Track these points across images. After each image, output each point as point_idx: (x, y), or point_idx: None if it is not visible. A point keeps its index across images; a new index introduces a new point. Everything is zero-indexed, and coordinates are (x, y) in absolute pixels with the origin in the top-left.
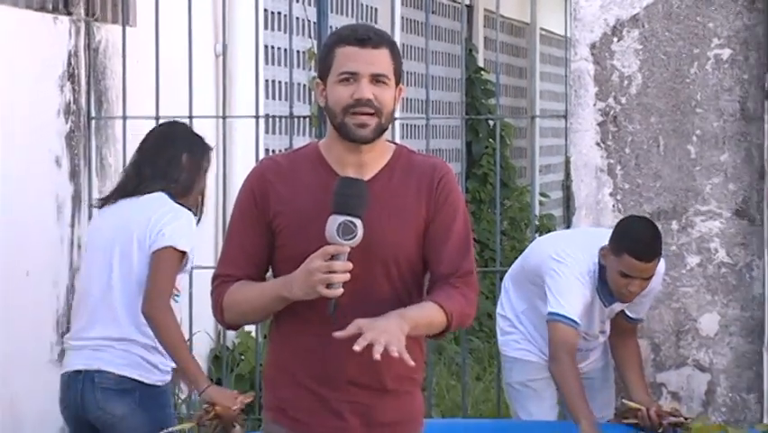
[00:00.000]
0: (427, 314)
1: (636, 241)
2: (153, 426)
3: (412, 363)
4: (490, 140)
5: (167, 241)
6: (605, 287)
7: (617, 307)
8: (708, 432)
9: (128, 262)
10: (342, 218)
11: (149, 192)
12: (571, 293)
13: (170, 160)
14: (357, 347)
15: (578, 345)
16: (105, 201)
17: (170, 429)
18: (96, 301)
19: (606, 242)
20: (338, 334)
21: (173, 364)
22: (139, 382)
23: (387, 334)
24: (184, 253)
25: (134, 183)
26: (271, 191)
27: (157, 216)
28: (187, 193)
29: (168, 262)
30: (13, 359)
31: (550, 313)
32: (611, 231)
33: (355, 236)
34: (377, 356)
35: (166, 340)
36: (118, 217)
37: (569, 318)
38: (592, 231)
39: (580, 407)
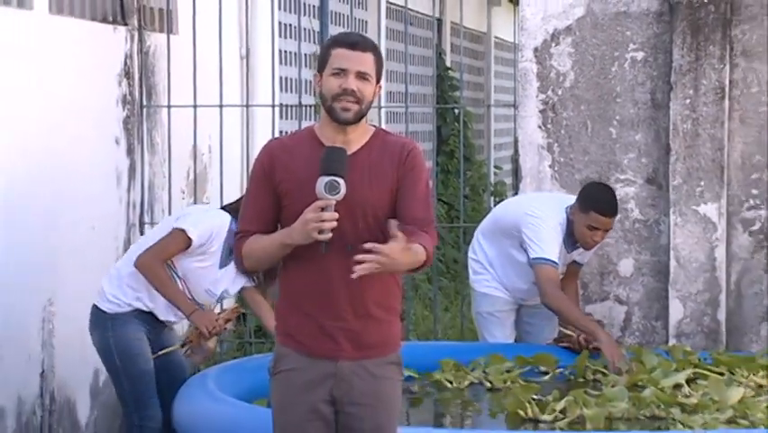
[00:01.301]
0: (418, 253)
1: (601, 201)
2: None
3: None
4: (456, 124)
5: (180, 224)
6: (569, 238)
7: (575, 254)
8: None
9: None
10: (327, 178)
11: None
12: (550, 241)
13: None
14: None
15: (559, 281)
16: None
17: (165, 350)
18: None
19: (567, 203)
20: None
21: (134, 303)
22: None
23: (384, 262)
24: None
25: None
26: (277, 163)
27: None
28: None
29: (172, 238)
30: (82, 298)
31: (535, 258)
32: (572, 194)
33: (339, 192)
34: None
35: (153, 282)
36: None
37: (551, 261)
38: (554, 195)
39: (588, 323)
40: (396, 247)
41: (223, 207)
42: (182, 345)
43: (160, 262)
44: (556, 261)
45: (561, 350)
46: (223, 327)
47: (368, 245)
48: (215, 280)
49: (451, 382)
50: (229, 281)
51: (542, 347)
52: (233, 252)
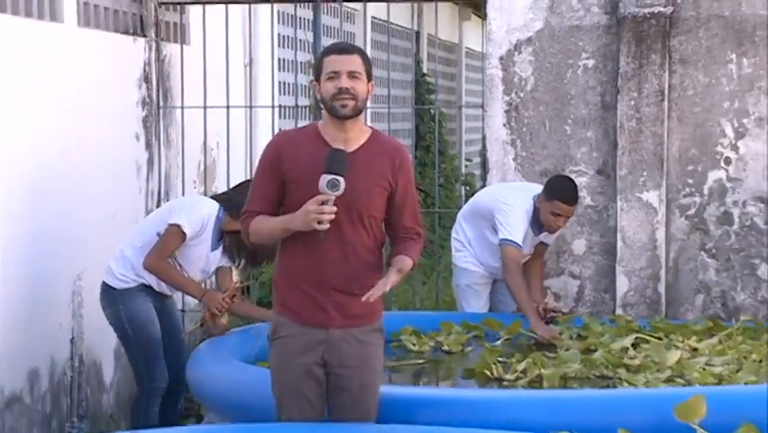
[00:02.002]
0: (405, 265)
1: (564, 191)
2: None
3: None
4: (431, 123)
5: (174, 220)
6: (535, 223)
7: (542, 237)
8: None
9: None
10: (330, 176)
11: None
12: (517, 226)
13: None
14: (364, 298)
15: (521, 261)
16: None
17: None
18: None
19: (535, 192)
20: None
21: (140, 279)
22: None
23: (384, 288)
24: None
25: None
26: (284, 154)
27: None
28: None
29: (170, 235)
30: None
31: (502, 239)
32: (540, 186)
33: (339, 189)
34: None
35: (163, 279)
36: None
37: (516, 243)
38: (524, 185)
39: (527, 305)
40: (392, 280)
41: (212, 197)
42: (200, 325)
43: (165, 260)
44: (520, 243)
45: (504, 316)
46: (229, 303)
47: (369, 295)
48: (208, 261)
49: (414, 345)
50: (218, 261)
51: (486, 315)
52: (221, 237)
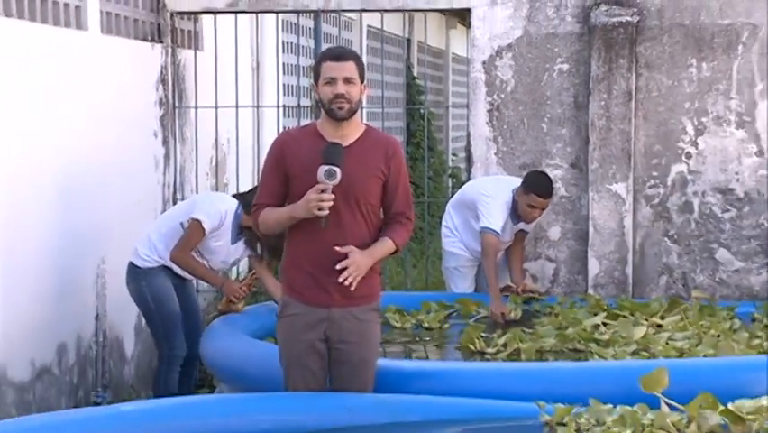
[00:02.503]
0: (386, 248)
1: (540, 186)
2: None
3: (353, 288)
4: (421, 121)
5: (195, 215)
6: (514, 213)
7: (521, 225)
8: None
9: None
10: (327, 167)
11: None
12: (497, 215)
13: None
14: (340, 279)
15: (500, 247)
16: None
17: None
18: None
19: (514, 186)
20: (337, 248)
21: (162, 261)
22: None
23: (357, 270)
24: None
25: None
26: (287, 151)
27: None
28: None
29: (192, 230)
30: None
31: (483, 227)
32: (519, 179)
33: (335, 178)
34: (341, 281)
35: (186, 270)
36: None
37: (495, 230)
38: (505, 178)
39: (494, 289)
40: (358, 257)
41: (234, 195)
42: (220, 313)
43: (189, 253)
44: (499, 231)
45: (477, 296)
46: (246, 292)
47: (338, 267)
48: (228, 253)
49: (397, 322)
50: (239, 253)
51: (462, 294)
52: (241, 231)
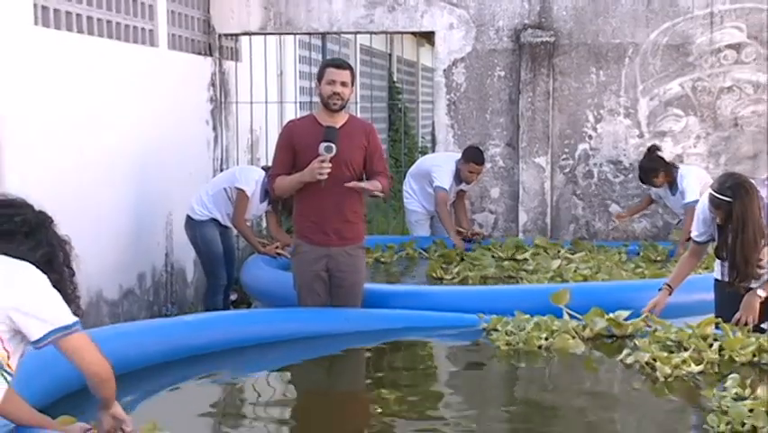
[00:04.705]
0: (377, 185)
1: (476, 156)
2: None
3: (360, 186)
4: (399, 113)
5: (239, 185)
6: (457, 177)
7: (462, 186)
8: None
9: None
10: (326, 143)
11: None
12: (445, 178)
13: None
14: (353, 185)
15: (448, 200)
16: None
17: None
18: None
19: (456, 158)
20: (349, 184)
21: (211, 215)
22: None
23: (364, 185)
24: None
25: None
26: (294, 135)
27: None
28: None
29: (240, 199)
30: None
31: (436, 186)
32: (461, 153)
33: (332, 152)
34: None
35: (242, 234)
36: None
37: (444, 189)
38: (448, 153)
39: (449, 226)
40: (363, 184)
41: (263, 167)
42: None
43: (244, 220)
44: (447, 189)
45: (424, 239)
46: (280, 253)
47: (349, 184)
48: (257, 208)
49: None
50: (263, 209)
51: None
52: (267, 193)
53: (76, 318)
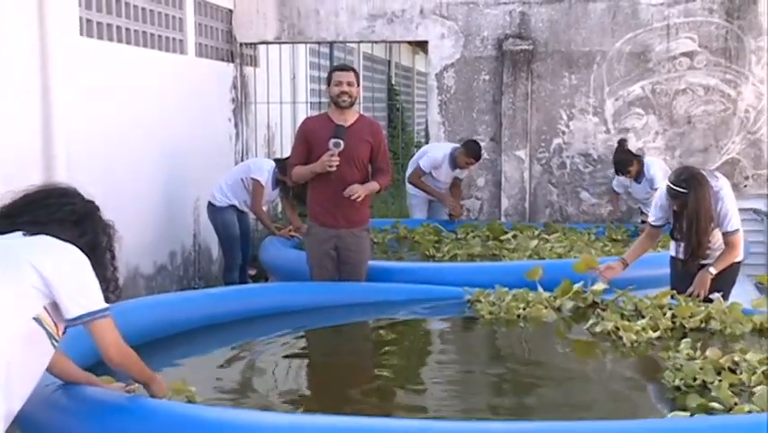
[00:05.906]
0: (373, 186)
1: (475, 150)
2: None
3: (360, 199)
4: (398, 112)
5: (255, 176)
6: (452, 163)
7: (456, 173)
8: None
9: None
10: (335, 139)
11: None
12: (428, 163)
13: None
14: (352, 196)
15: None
16: None
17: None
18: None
19: (450, 146)
20: (348, 191)
21: (230, 202)
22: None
23: (358, 192)
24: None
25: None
26: (308, 130)
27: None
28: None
29: (256, 189)
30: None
31: (418, 165)
32: (452, 144)
33: (340, 147)
34: (351, 195)
35: (260, 221)
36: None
37: (423, 168)
38: (444, 144)
39: (440, 196)
40: (358, 187)
41: (273, 159)
42: (275, 235)
43: (261, 207)
44: (425, 170)
45: (413, 222)
46: (294, 236)
47: (345, 193)
48: (270, 195)
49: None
50: (275, 196)
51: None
52: (278, 181)
53: (107, 305)
